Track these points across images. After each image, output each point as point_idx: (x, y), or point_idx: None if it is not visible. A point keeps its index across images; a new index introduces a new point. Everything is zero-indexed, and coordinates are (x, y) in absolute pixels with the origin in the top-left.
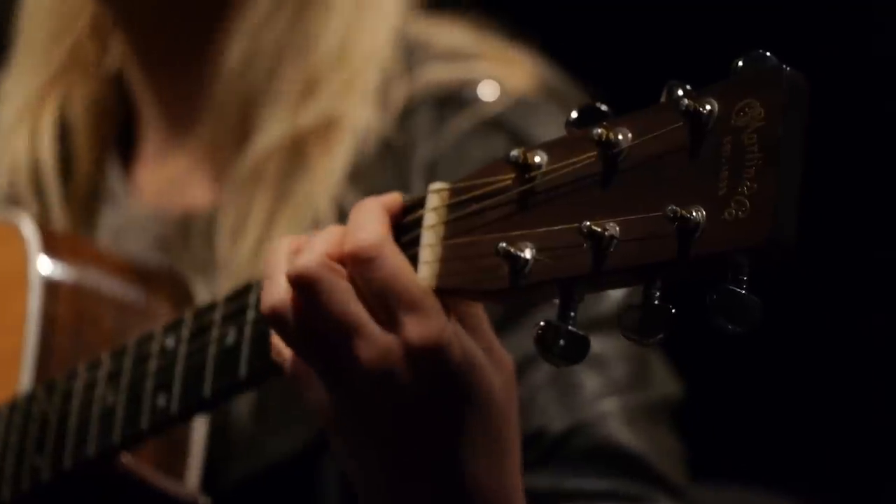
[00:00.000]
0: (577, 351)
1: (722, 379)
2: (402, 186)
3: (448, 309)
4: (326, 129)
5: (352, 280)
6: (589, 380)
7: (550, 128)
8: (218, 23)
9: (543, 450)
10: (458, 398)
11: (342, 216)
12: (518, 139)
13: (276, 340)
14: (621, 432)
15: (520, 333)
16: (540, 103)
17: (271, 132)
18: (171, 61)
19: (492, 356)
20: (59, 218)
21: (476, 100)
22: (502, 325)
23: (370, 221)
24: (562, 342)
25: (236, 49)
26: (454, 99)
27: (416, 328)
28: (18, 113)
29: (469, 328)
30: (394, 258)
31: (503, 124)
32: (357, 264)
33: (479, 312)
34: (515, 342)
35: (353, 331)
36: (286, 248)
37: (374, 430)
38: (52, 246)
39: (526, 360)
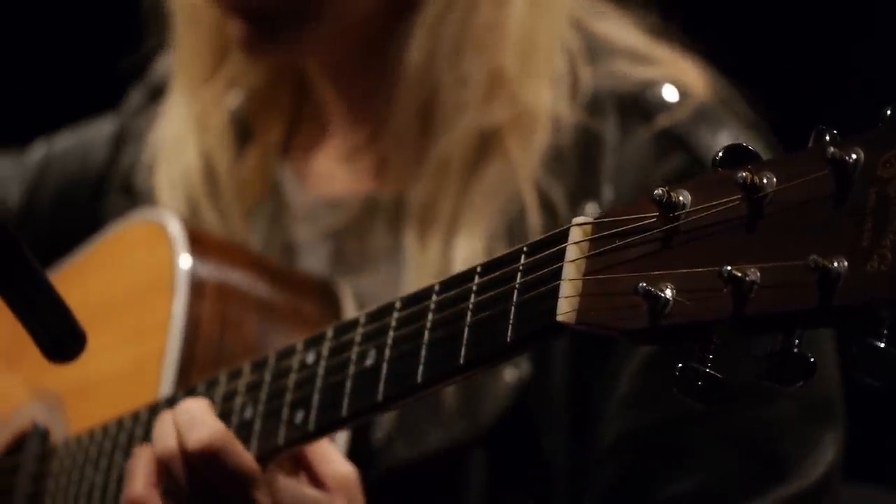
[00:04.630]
0: (714, 394)
1: None
2: (594, 184)
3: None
4: (519, 118)
5: (193, 471)
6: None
7: (725, 137)
8: (396, 25)
9: None
10: None
11: (543, 200)
12: (697, 158)
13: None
14: None
15: None
16: (718, 111)
17: (460, 123)
18: (351, 61)
19: (322, 484)
20: (232, 212)
21: (659, 107)
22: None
23: (205, 416)
24: (700, 384)
25: (416, 47)
26: (639, 104)
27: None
28: (182, 120)
29: (304, 468)
30: (234, 445)
31: (684, 140)
32: (204, 459)
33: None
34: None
35: None
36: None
37: None
38: (198, 247)
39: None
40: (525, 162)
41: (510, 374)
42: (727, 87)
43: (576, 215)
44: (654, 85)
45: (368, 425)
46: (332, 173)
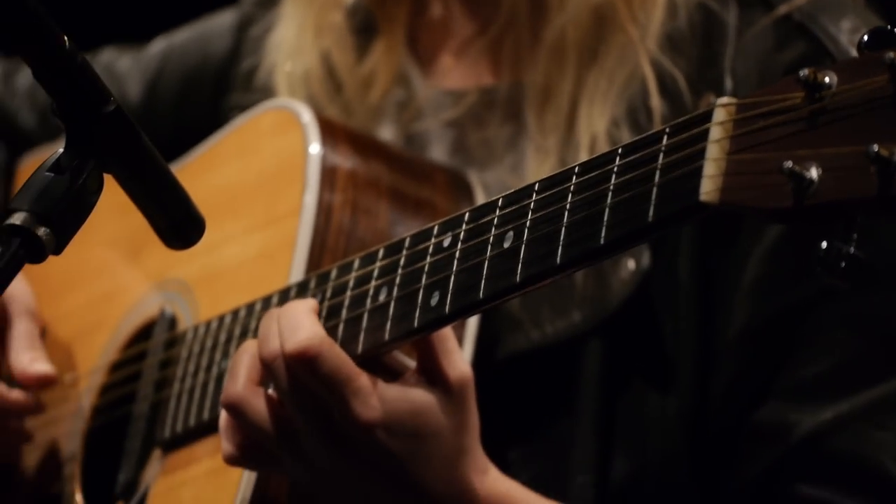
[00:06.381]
0: (858, 273)
1: None
2: (716, 74)
3: (382, 369)
4: None
5: (293, 374)
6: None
7: (847, 24)
8: None
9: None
10: (413, 437)
11: (663, 82)
12: (819, 45)
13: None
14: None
15: None
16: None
17: (572, 4)
18: None
19: (438, 378)
20: (356, 108)
21: None
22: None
23: (305, 320)
24: (843, 264)
25: None
26: None
27: (361, 411)
28: (300, 24)
29: (424, 361)
30: (332, 350)
31: (806, 27)
32: (301, 363)
33: (406, 362)
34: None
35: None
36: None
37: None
38: (329, 135)
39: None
40: (643, 40)
41: (631, 263)
42: None
43: (697, 103)
44: None
45: (486, 314)
46: (453, 64)
